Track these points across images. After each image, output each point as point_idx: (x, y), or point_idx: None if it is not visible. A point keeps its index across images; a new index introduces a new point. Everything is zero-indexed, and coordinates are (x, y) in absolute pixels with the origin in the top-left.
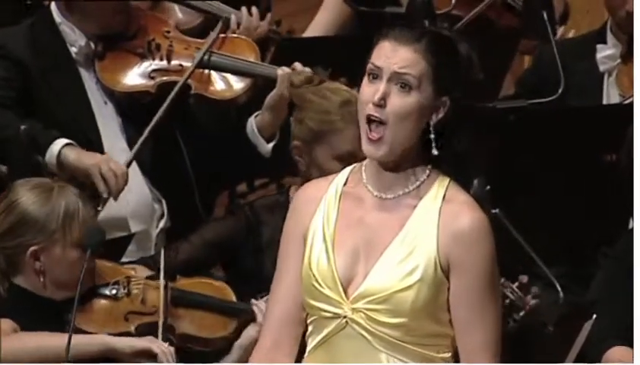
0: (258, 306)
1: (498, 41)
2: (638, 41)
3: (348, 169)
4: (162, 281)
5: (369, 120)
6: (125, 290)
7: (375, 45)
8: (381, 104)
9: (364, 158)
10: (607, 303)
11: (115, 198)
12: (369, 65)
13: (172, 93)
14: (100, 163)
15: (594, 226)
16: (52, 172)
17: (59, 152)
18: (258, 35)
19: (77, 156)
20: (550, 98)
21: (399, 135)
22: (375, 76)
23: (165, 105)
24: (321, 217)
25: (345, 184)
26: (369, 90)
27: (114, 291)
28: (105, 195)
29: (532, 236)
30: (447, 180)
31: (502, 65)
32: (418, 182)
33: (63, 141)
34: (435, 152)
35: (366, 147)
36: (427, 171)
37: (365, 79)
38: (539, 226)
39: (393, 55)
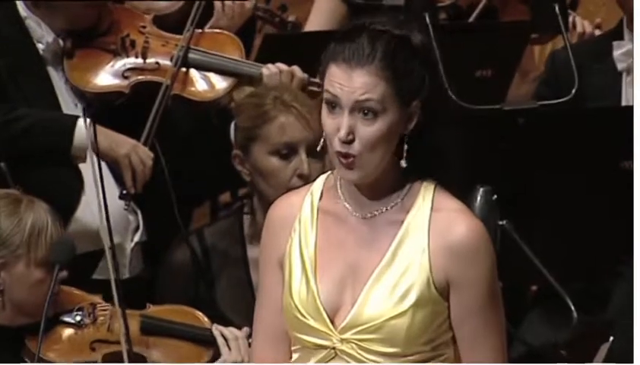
0: (222, 331)
1: (505, 36)
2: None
3: (321, 180)
4: (118, 307)
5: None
6: (90, 317)
7: (325, 69)
8: (348, 140)
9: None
10: (630, 314)
11: (140, 191)
12: (326, 94)
13: (157, 102)
14: (131, 153)
15: (612, 239)
16: (76, 156)
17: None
18: (246, 14)
19: (105, 140)
20: (563, 99)
21: (373, 161)
22: (334, 105)
23: (153, 112)
24: (298, 239)
25: (320, 198)
26: (332, 123)
27: (78, 318)
28: (132, 191)
29: (543, 250)
30: (432, 186)
31: (510, 62)
32: (401, 195)
33: (84, 120)
34: (403, 164)
35: (341, 172)
36: (409, 180)
37: (325, 108)
38: (550, 239)
39: (348, 82)
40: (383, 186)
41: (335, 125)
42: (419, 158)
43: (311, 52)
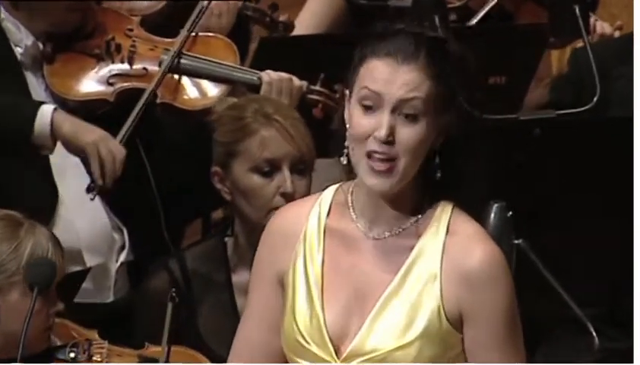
0: None
1: (520, 40)
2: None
3: (330, 193)
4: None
5: (371, 154)
6: (85, 355)
7: (361, 64)
8: (388, 141)
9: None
10: None
11: (109, 186)
12: (364, 91)
13: (138, 109)
14: (99, 141)
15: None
16: (40, 144)
17: (51, 120)
18: (234, 11)
19: (72, 127)
20: (583, 108)
21: (410, 169)
22: (371, 106)
23: (130, 123)
24: (303, 257)
25: (328, 214)
26: (367, 123)
27: (72, 355)
28: (99, 182)
29: (561, 270)
30: (450, 207)
31: (526, 68)
32: (417, 215)
33: (50, 106)
34: (438, 175)
35: (371, 181)
36: (426, 201)
37: (359, 108)
38: (570, 260)
39: (394, 78)
40: (401, 204)
41: (372, 125)
42: (442, 175)
43: (309, 56)
